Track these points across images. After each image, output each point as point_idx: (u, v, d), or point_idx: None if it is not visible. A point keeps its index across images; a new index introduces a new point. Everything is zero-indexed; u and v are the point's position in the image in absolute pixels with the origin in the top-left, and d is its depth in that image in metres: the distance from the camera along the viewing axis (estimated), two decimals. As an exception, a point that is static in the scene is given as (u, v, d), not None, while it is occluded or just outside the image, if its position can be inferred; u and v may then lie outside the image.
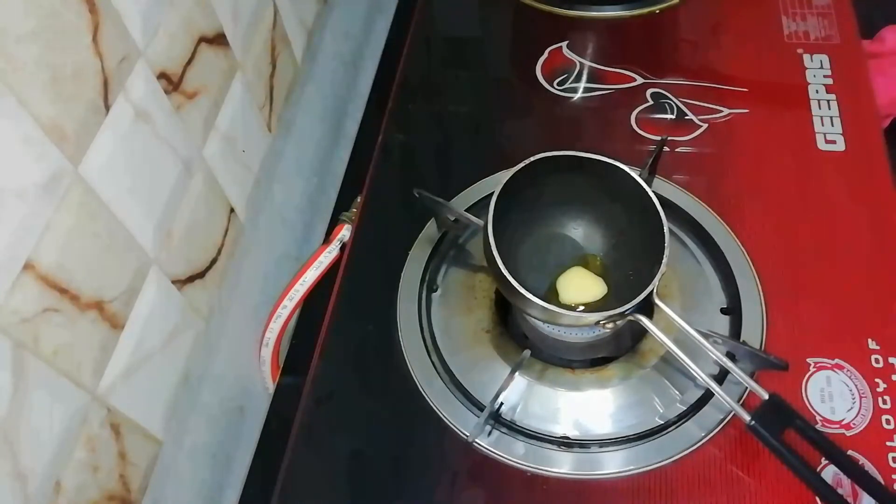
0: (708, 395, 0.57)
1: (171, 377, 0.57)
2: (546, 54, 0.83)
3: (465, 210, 0.66)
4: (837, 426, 0.55)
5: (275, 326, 0.71)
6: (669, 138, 0.71)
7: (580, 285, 0.61)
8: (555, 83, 0.80)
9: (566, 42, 0.83)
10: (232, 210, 0.65)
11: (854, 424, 0.55)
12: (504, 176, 0.58)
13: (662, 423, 0.57)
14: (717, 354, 0.55)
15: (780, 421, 0.51)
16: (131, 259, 0.51)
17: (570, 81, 0.80)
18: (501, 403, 0.57)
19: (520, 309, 0.58)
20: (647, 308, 0.56)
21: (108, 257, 0.48)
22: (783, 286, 0.62)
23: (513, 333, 0.63)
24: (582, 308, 0.59)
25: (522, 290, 0.54)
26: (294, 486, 0.57)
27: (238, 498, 0.65)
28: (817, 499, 0.52)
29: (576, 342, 0.61)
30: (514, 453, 0.56)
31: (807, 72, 0.77)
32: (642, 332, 0.61)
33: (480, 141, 0.78)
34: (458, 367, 0.61)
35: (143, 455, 0.54)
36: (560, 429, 0.58)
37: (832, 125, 0.72)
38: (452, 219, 0.66)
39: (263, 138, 0.71)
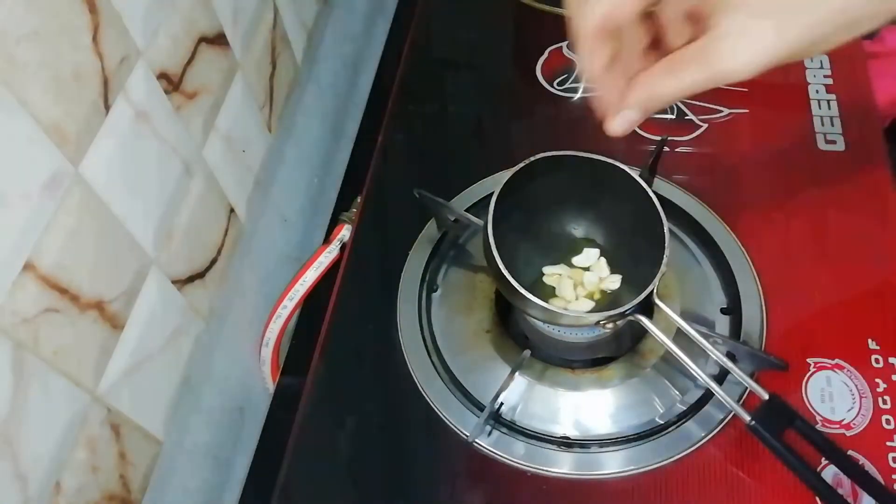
0: (708, 395, 0.57)
1: (171, 377, 0.57)
2: (546, 54, 0.83)
3: (465, 210, 0.66)
4: (837, 426, 0.55)
5: (275, 326, 0.71)
6: (669, 138, 0.71)
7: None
8: (555, 83, 0.80)
9: (566, 42, 0.83)
10: (232, 210, 0.65)
11: (854, 424, 0.55)
12: (504, 176, 0.58)
13: (662, 423, 0.57)
14: (717, 354, 0.55)
15: (781, 421, 0.51)
16: (131, 259, 0.51)
17: (570, 81, 0.80)
18: (501, 403, 0.58)
19: (520, 309, 0.58)
20: (647, 308, 0.56)
21: (109, 257, 0.48)
22: (783, 286, 0.62)
23: (513, 333, 0.63)
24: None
25: (522, 291, 0.54)
26: (294, 486, 0.57)
27: (238, 498, 0.65)
28: (817, 499, 0.52)
29: (576, 342, 0.61)
30: (514, 453, 0.56)
31: (807, 72, 0.77)
32: (642, 332, 0.61)
33: (480, 141, 0.78)
34: (458, 367, 0.61)
35: (144, 455, 0.54)
36: (560, 429, 0.58)
37: (832, 125, 0.72)
38: (452, 219, 0.66)
39: (263, 138, 0.71)
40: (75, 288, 0.45)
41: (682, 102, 0.76)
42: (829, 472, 0.52)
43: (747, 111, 0.75)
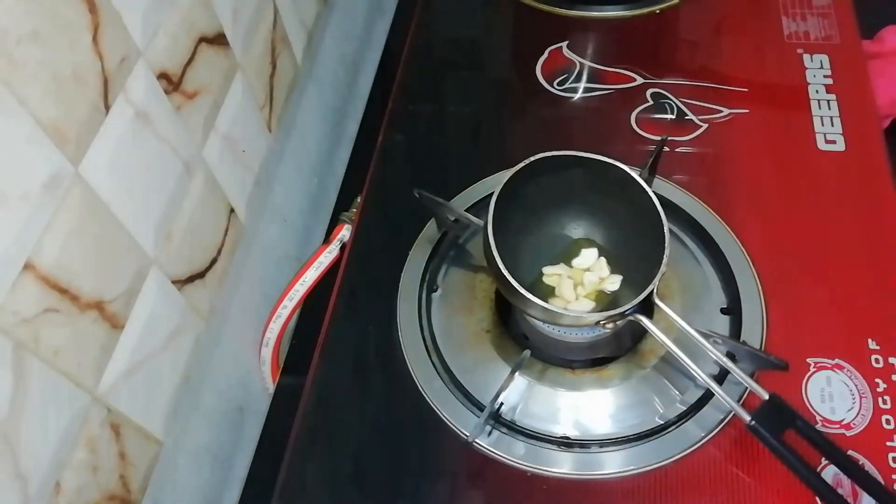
0: (708, 395, 0.57)
1: (171, 377, 0.57)
2: (546, 54, 0.83)
3: (465, 210, 0.66)
4: (837, 426, 0.55)
5: (275, 326, 0.71)
6: (669, 138, 0.71)
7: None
8: (555, 83, 0.80)
9: (566, 42, 0.83)
10: (232, 210, 0.65)
11: (854, 424, 0.55)
12: (504, 176, 0.58)
13: (662, 423, 0.57)
14: (717, 354, 0.55)
15: (781, 421, 0.51)
16: (131, 259, 0.51)
17: (570, 81, 0.80)
18: (501, 403, 0.57)
19: (520, 309, 0.58)
20: (648, 308, 0.56)
21: (109, 257, 0.48)
22: (783, 286, 0.62)
23: (513, 333, 0.63)
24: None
25: (522, 291, 0.54)
26: (294, 486, 0.57)
27: (238, 498, 0.65)
28: (817, 499, 0.52)
29: (576, 342, 0.61)
30: (514, 453, 0.56)
31: (807, 72, 0.77)
32: (642, 333, 0.61)
33: (480, 141, 0.78)
34: (458, 367, 0.61)
35: (144, 455, 0.54)
36: (560, 429, 0.58)
37: (832, 125, 0.72)
38: (452, 219, 0.66)
39: (263, 138, 0.71)
40: (75, 288, 0.45)
41: (682, 102, 0.76)
42: (829, 472, 0.52)
43: (747, 111, 0.75)
